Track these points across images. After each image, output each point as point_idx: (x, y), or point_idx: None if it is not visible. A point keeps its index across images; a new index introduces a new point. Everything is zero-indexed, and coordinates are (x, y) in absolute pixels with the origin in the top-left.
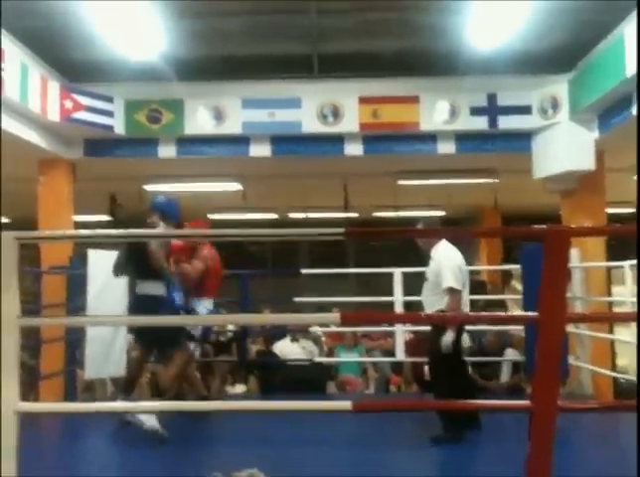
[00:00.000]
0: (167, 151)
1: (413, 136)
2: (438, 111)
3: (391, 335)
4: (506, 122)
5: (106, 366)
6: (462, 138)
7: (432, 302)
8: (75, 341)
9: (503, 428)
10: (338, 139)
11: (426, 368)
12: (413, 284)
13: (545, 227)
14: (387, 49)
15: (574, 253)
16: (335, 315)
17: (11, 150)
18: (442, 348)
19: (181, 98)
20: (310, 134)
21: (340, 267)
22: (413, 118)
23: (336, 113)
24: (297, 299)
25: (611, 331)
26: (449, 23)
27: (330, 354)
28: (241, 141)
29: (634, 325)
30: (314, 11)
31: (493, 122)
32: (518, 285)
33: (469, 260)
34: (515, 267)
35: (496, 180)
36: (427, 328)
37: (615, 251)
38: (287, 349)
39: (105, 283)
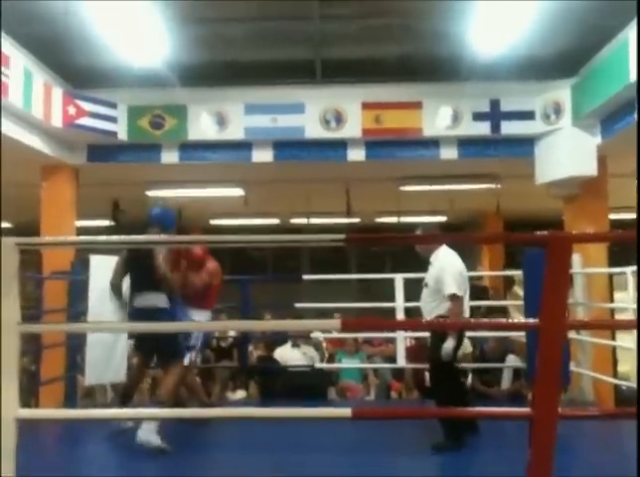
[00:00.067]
0: (170, 157)
1: (416, 142)
2: (441, 117)
3: (392, 341)
4: (508, 128)
5: (107, 372)
6: (465, 144)
7: (432, 308)
8: (75, 346)
9: (504, 434)
10: (341, 145)
11: (427, 374)
12: (415, 290)
13: (547, 233)
14: (389, 54)
15: (576, 259)
16: (336, 321)
17: (14, 155)
18: (443, 355)
19: (184, 104)
20: (313, 140)
21: (341, 273)
22: (416, 124)
23: (339, 119)
24: (298, 305)
25: (613, 337)
26: (452, 28)
27: (331, 360)
28: (244, 147)
29: (636, 332)
30: (317, 17)
31: (496, 128)
32: (520, 291)
33: (471, 266)
34: (517, 273)
35: (498, 185)
36: (428, 334)
37: (618, 257)
38: (288, 355)
39: (107, 289)
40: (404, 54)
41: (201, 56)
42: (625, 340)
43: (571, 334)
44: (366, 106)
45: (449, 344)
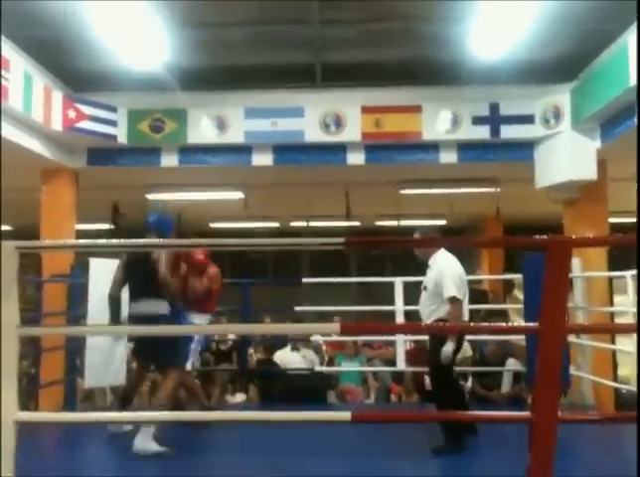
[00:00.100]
0: (170, 160)
1: (416, 145)
2: (441, 121)
3: (392, 344)
4: (508, 132)
5: (106, 375)
6: (464, 147)
7: (431, 312)
8: (75, 349)
9: (504, 437)
10: (340, 148)
11: (427, 377)
12: (415, 293)
13: (546, 237)
14: (389, 58)
15: (576, 263)
16: (335, 325)
17: (14, 159)
18: (442, 358)
19: (184, 108)
20: (312, 143)
21: (341, 276)
22: (416, 128)
23: (338, 123)
24: (298, 308)
25: (613, 341)
26: (452, 33)
27: (330, 363)
28: (244, 150)
29: (636, 335)
30: (317, 21)
31: (495, 132)
32: (520, 294)
33: (471, 269)
34: (517, 277)
35: (498, 189)
36: (428, 337)
37: (618, 261)
38: (288, 358)
39: (107, 292)
40: (404, 58)
41: (201, 60)
42: (625, 344)
43: (571, 338)
44: (365, 110)
45: (449, 347)
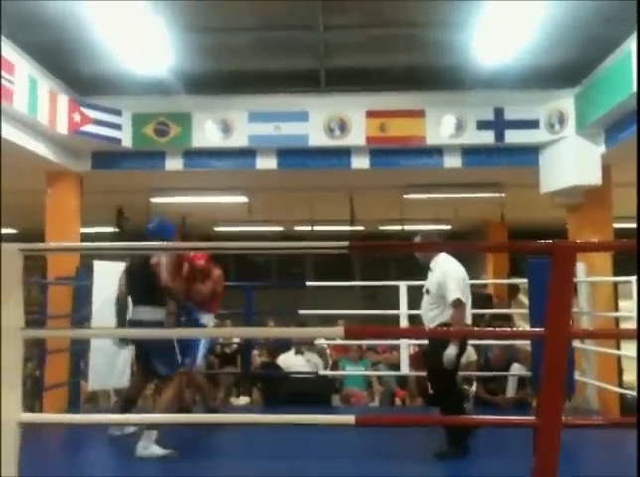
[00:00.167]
0: (174, 164)
1: (420, 150)
2: (445, 125)
3: (396, 348)
4: (512, 137)
5: (110, 377)
6: (469, 152)
7: (434, 316)
8: (79, 352)
9: (508, 442)
10: (344, 153)
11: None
12: (419, 297)
13: (551, 242)
14: (393, 63)
15: (581, 268)
16: (339, 329)
17: (19, 162)
18: (445, 362)
19: (188, 112)
20: (317, 148)
21: (346, 279)
22: (420, 132)
23: (342, 127)
24: (302, 311)
25: (618, 347)
26: (456, 38)
27: (335, 366)
28: (248, 154)
29: None
30: (321, 26)
31: (500, 136)
32: (524, 299)
33: (475, 274)
34: (521, 281)
35: (502, 194)
36: (428, 341)
37: (623, 266)
38: (292, 361)
39: (111, 294)
40: (408, 63)
41: (205, 64)
42: (630, 349)
43: (576, 343)
44: (370, 115)
45: (451, 350)
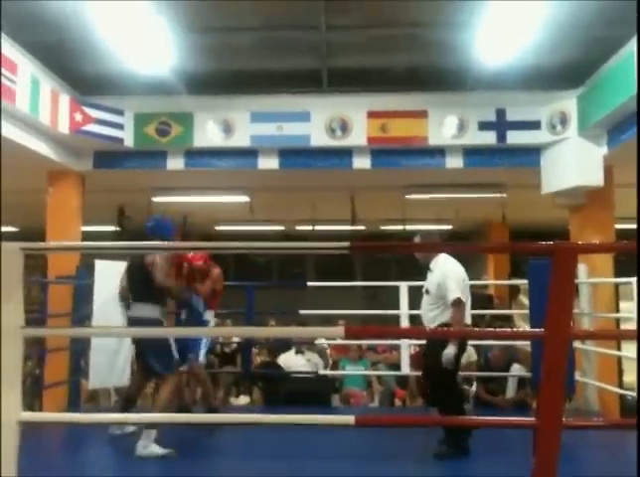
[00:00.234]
0: (176, 163)
1: (422, 150)
2: (447, 126)
3: (396, 348)
4: (514, 137)
5: (111, 376)
6: (470, 153)
7: (434, 317)
8: (79, 350)
9: (508, 442)
10: (346, 153)
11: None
12: (420, 298)
13: (552, 243)
14: (395, 64)
15: (582, 269)
16: (339, 329)
17: (21, 161)
18: (443, 362)
19: (190, 112)
20: (318, 148)
21: (347, 279)
22: (422, 132)
23: (344, 127)
24: (303, 311)
25: (618, 348)
26: (458, 38)
27: (335, 366)
28: (250, 154)
29: None
30: (323, 26)
31: (501, 137)
32: (525, 300)
33: (476, 274)
34: (522, 282)
35: (504, 195)
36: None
37: (625, 267)
38: (292, 361)
39: (111, 294)
40: (410, 63)
41: (207, 64)
42: (630, 350)
43: (577, 344)
44: (371, 115)
45: (450, 350)
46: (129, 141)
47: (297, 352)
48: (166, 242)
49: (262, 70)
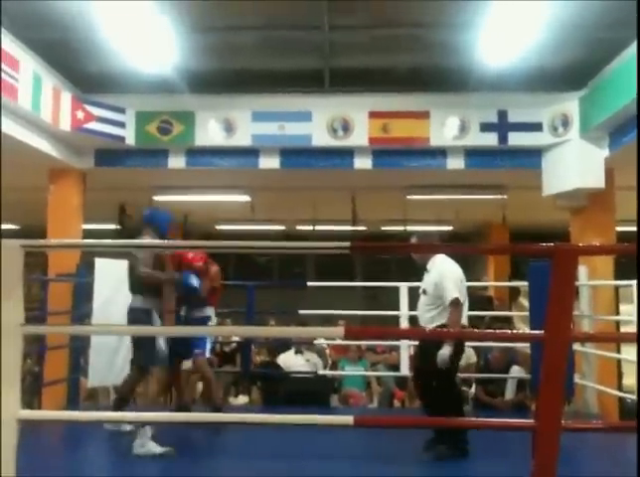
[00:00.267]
0: (177, 162)
1: (423, 151)
2: (448, 127)
3: (395, 349)
4: (516, 139)
5: (110, 374)
6: (472, 154)
7: (432, 317)
8: (79, 348)
9: (507, 444)
10: (347, 153)
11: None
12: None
13: (552, 245)
14: (398, 64)
15: (582, 271)
16: (339, 329)
17: (22, 158)
18: (438, 362)
19: (192, 110)
20: (320, 147)
21: (347, 279)
22: (423, 133)
23: (346, 127)
24: (302, 311)
25: (618, 350)
26: (460, 39)
27: (334, 367)
28: (251, 153)
29: None
30: (326, 26)
31: (503, 139)
32: (525, 302)
33: (476, 276)
34: (522, 284)
35: (505, 196)
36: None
37: (625, 269)
38: (291, 361)
39: (112, 292)
40: (413, 64)
41: (209, 63)
42: (630, 353)
43: (576, 346)
44: (373, 115)
45: (445, 351)
46: (131, 139)
47: (297, 352)
48: (166, 241)
49: (265, 69)
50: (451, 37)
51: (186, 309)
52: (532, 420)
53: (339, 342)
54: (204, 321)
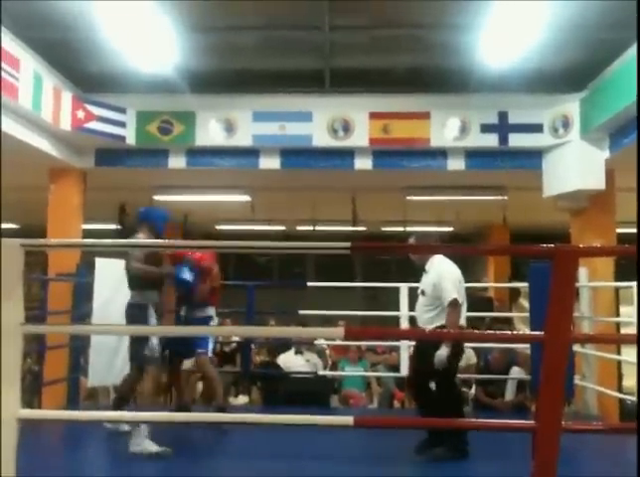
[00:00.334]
0: (177, 162)
1: (423, 152)
2: (449, 128)
3: (395, 349)
4: (516, 140)
5: (110, 374)
6: (472, 155)
7: (431, 318)
8: (79, 348)
9: (507, 445)
10: (348, 153)
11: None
12: None
13: (553, 246)
14: (398, 65)
15: (583, 273)
16: (339, 330)
17: (23, 158)
18: (436, 363)
19: (192, 110)
20: (320, 148)
21: (347, 279)
22: (424, 134)
23: (346, 128)
24: (303, 311)
25: (618, 352)
26: (461, 40)
27: (334, 367)
28: (252, 153)
29: None
30: (327, 27)
31: (503, 140)
32: (525, 303)
33: (476, 277)
34: (523, 285)
35: (505, 197)
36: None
37: (626, 271)
38: (291, 361)
39: (112, 292)
40: (413, 64)
41: (210, 63)
42: (630, 354)
43: (576, 347)
44: (374, 116)
45: (442, 351)
46: (131, 139)
47: (297, 352)
48: (166, 241)
49: (265, 69)
50: (452, 38)
51: (187, 309)
52: (532, 421)
53: (339, 342)
54: (206, 321)
